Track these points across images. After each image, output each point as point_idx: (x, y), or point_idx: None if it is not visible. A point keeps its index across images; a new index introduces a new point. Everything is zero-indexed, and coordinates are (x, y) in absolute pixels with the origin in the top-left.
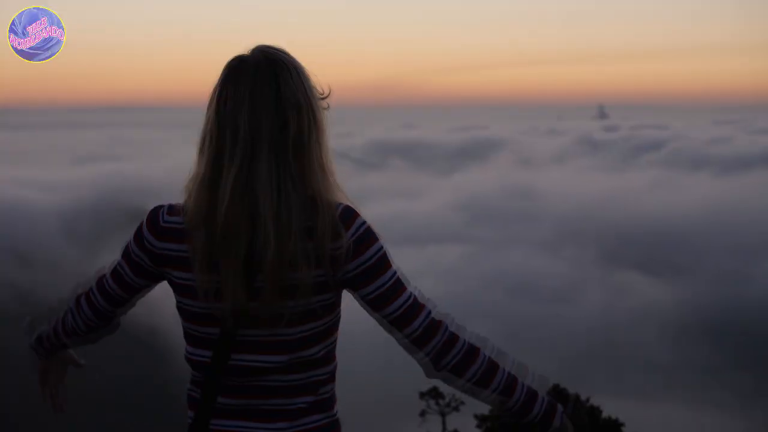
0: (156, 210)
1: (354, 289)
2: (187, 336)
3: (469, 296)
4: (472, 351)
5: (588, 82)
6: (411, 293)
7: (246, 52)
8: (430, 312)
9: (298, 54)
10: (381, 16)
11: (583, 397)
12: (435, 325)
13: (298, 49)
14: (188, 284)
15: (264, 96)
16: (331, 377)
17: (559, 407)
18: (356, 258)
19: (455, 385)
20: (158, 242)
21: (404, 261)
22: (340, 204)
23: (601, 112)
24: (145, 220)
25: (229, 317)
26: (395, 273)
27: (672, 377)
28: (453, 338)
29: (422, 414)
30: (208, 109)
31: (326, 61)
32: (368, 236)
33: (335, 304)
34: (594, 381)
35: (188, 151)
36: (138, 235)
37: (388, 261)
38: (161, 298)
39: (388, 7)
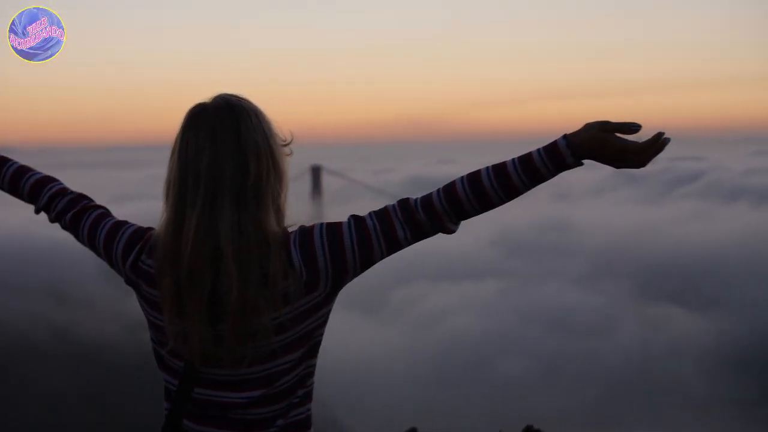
0: (145, 242)
1: (367, 266)
2: (156, 354)
3: (505, 332)
4: (448, 184)
5: (625, 115)
6: (368, 221)
7: (207, 100)
8: (393, 207)
9: (336, 91)
10: (418, 52)
11: None
12: (406, 206)
13: (334, 87)
14: (158, 300)
15: (225, 141)
16: (307, 398)
17: (559, 140)
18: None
19: (464, 210)
20: (134, 277)
21: (440, 297)
22: (294, 232)
23: None
24: (143, 244)
25: (197, 360)
26: (350, 234)
27: (709, 411)
28: (426, 195)
29: None
30: (171, 155)
31: (363, 98)
32: (315, 248)
33: (301, 340)
34: (631, 416)
35: None
36: (131, 245)
37: (340, 241)
38: None
39: (425, 43)
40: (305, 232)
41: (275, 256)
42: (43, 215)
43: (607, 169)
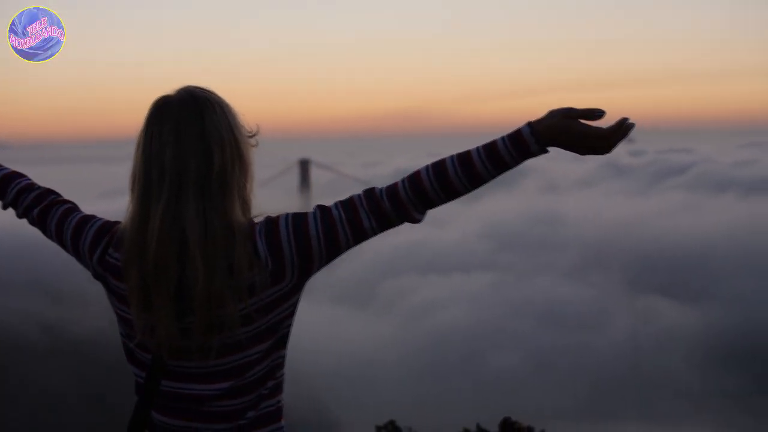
0: (112, 235)
1: (334, 256)
2: (125, 348)
3: (495, 325)
4: (413, 173)
5: (614, 108)
6: (334, 211)
7: (171, 92)
8: (359, 196)
9: (329, 85)
10: (407, 46)
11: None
12: (371, 195)
13: (325, 81)
14: (126, 294)
15: (189, 133)
16: (277, 390)
17: (523, 127)
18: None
19: (429, 199)
20: (101, 270)
21: (430, 290)
22: (260, 223)
23: (628, 137)
24: (110, 238)
25: (164, 352)
26: (316, 224)
27: (699, 402)
28: (392, 185)
29: None
30: (136, 148)
31: (353, 91)
32: (280, 238)
33: (268, 331)
34: (622, 408)
35: None
36: (98, 239)
37: (305, 231)
38: None
39: (414, 36)
40: (271, 222)
41: (241, 247)
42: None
43: (595, 161)
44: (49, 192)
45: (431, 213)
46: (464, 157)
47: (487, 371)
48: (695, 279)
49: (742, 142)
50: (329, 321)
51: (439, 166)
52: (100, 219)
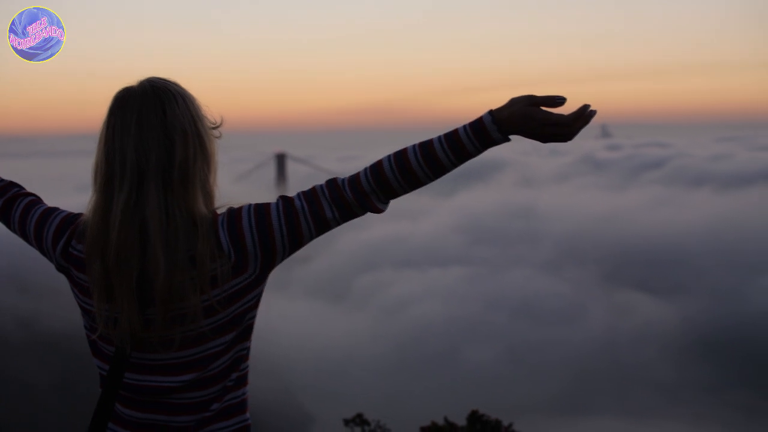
0: (75, 228)
1: (297, 247)
2: (89, 341)
3: (471, 319)
4: (375, 163)
5: (591, 101)
6: (296, 202)
7: (134, 84)
8: (322, 187)
9: (306, 79)
10: (383, 40)
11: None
12: (334, 186)
13: (302, 74)
14: (88, 285)
15: (150, 123)
16: (242, 382)
17: (485, 116)
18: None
19: (391, 188)
20: (64, 262)
21: (405, 284)
22: (222, 214)
23: (605, 131)
24: (73, 230)
25: (127, 344)
26: (278, 215)
27: (675, 395)
28: (354, 175)
29: None
30: (98, 140)
31: (330, 85)
32: (243, 229)
33: (231, 323)
34: (597, 402)
35: None
36: (61, 231)
37: (268, 223)
38: None
39: (391, 30)
40: (233, 213)
41: (203, 238)
42: None
43: (572, 155)
44: (12, 185)
45: (406, 207)
46: (426, 147)
47: (462, 365)
48: (671, 273)
49: (719, 135)
50: (305, 315)
51: (400, 156)
52: (63, 211)
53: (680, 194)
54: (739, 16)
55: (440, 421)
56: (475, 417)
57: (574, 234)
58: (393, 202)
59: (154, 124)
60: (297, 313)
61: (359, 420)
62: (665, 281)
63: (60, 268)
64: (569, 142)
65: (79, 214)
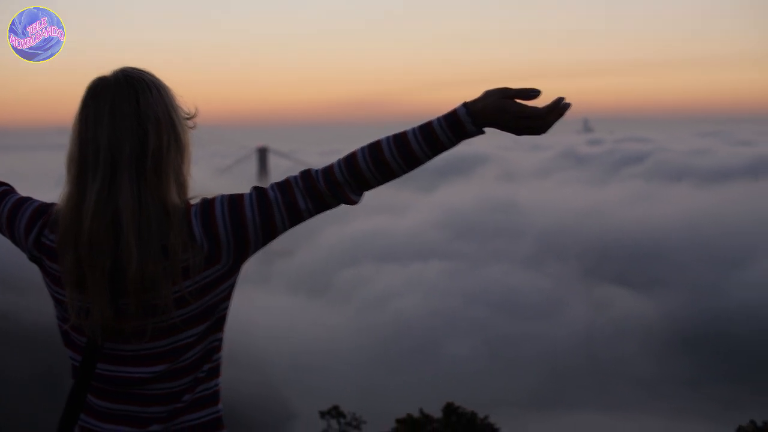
0: (48, 217)
1: (270, 238)
2: (61, 331)
3: (451, 313)
4: (349, 154)
5: (573, 96)
6: (270, 193)
7: (108, 74)
8: (295, 178)
9: (288, 73)
10: (366, 33)
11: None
12: (307, 177)
13: (285, 68)
14: (61, 276)
15: (124, 114)
16: (214, 373)
17: (459, 108)
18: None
19: (365, 179)
20: (37, 252)
21: (386, 278)
22: (195, 204)
23: (586, 126)
24: (45, 220)
25: (99, 334)
26: (251, 206)
27: (655, 389)
28: (328, 166)
29: None
30: (72, 130)
31: (312, 79)
32: (216, 220)
33: (204, 314)
34: (577, 396)
35: None
36: (33, 221)
37: (241, 213)
38: None
39: (372, 24)
40: (207, 204)
41: (175, 229)
42: None
43: (553, 150)
44: None
45: (388, 202)
46: (400, 138)
47: (442, 359)
48: (651, 268)
49: (700, 131)
50: (286, 309)
51: (375, 147)
52: (36, 201)
53: (661, 189)
54: (719, 11)
55: (416, 414)
56: (450, 409)
57: (554, 229)
58: (374, 197)
59: (127, 114)
60: (279, 307)
61: (335, 412)
62: (645, 276)
63: (32, 258)
64: (551, 137)
65: (52, 204)
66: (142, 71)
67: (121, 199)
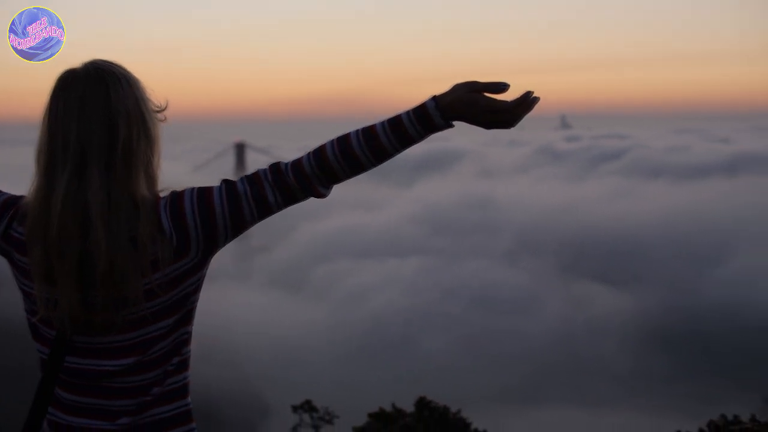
0: (17, 210)
1: (239, 231)
2: (29, 324)
3: (428, 309)
4: (318, 147)
5: (551, 92)
6: (239, 186)
7: (77, 66)
8: (264, 171)
9: (265, 68)
10: (344, 29)
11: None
12: (276, 170)
13: (262, 64)
14: (29, 268)
15: (93, 105)
16: (183, 366)
17: (428, 101)
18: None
19: (333, 173)
20: (5, 245)
21: (363, 274)
22: (165, 197)
23: (564, 122)
24: (14, 212)
25: (67, 327)
26: (220, 199)
27: (632, 385)
28: (297, 159)
29: (294, 429)
30: (41, 122)
31: (289, 74)
32: (185, 213)
33: (173, 307)
34: (555, 392)
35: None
36: (1, 213)
37: (210, 206)
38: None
39: (351, 19)
40: (176, 196)
41: (144, 221)
42: None
43: (531, 146)
44: None
45: (365, 198)
46: (369, 132)
47: (418, 355)
48: (629, 265)
49: (677, 128)
50: (263, 305)
51: (343, 141)
52: (5, 193)
53: (638, 186)
54: (696, 7)
55: (389, 408)
56: (422, 403)
57: (532, 225)
58: (352, 192)
59: (97, 107)
60: (255, 303)
61: (308, 407)
62: (623, 273)
63: (1, 251)
64: (529, 133)
65: (21, 197)
66: (113, 64)
67: (90, 192)
